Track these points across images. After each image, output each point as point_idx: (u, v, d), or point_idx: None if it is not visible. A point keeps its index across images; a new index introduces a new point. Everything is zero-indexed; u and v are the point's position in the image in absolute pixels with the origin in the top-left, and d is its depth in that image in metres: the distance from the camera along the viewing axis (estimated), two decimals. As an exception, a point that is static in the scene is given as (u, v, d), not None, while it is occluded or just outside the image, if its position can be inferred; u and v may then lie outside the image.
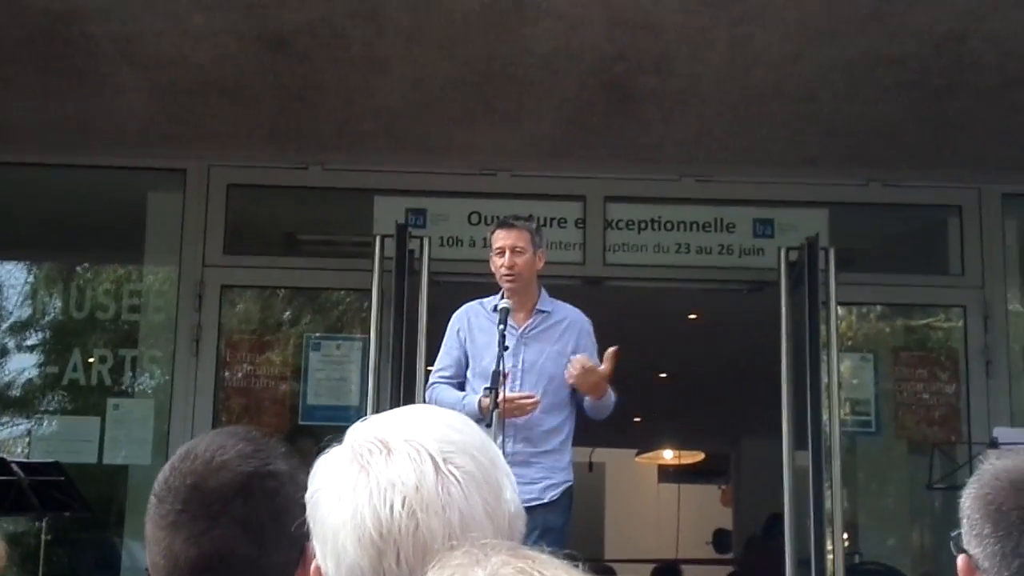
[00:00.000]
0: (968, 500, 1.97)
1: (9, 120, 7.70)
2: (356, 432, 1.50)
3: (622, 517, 16.58)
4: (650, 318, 9.54)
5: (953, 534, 2.02)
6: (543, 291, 5.91)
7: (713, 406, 12.72)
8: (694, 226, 8.30)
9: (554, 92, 7.27)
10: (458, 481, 1.41)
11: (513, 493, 1.48)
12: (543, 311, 5.83)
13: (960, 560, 1.98)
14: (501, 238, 5.78)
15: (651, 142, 7.92)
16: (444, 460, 1.42)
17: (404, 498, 1.39)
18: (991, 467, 1.98)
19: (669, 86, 7.14)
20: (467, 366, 5.85)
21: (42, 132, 7.88)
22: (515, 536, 1.45)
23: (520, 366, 5.67)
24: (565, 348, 5.77)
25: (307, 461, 1.89)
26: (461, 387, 5.83)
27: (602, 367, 5.55)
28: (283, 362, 8.37)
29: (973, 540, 1.95)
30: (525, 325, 5.77)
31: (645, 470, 17.32)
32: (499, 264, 5.74)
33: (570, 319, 5.84)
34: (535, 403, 5.51)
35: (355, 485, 1.42)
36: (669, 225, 8.30)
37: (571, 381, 5.58)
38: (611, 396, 5.69)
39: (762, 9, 6.32)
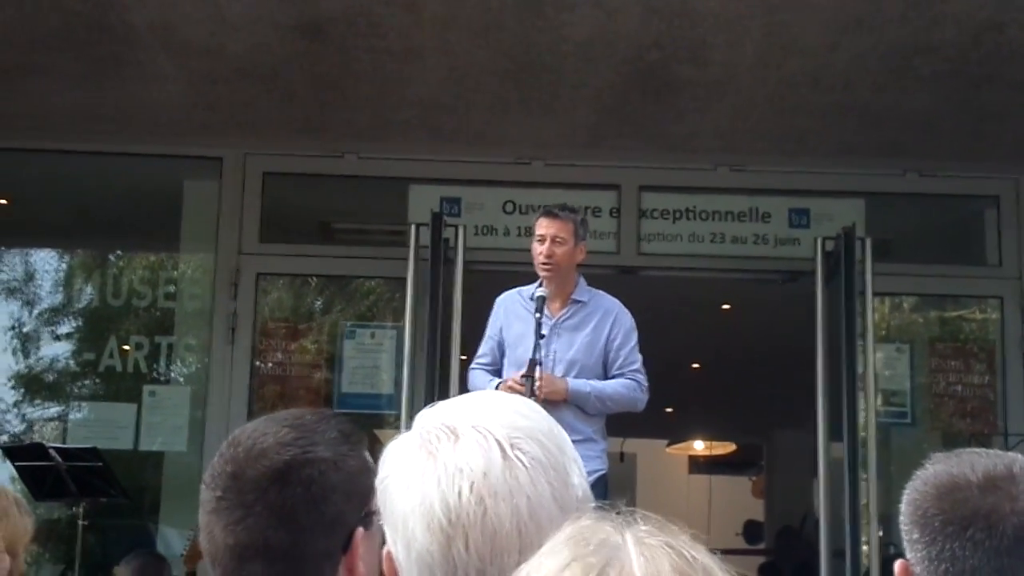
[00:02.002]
0: (902, 507, 2.00)
1: (46, 108, 7.74)
2: (424, 418, 1.51)
3: (653, 508, 16.50)
4: (684, 308, 9.53)
5: None
6: (581, 281, 5.90)
7: (745, 397, 12.69)
8: (729, 216, 8.28)
9: (589, 81, 7.26)
10: (525, 466, 1.42)
11: (581, 478, 1.49)
12: (579, 301, 5.82)
13: (897, 565, 2.01)
14: (543, 226, 5.78)
15: (686, 131, 7.90)
16: (511, 446, 1.43)
17: (472, 484, 1.40)
18: (923, 473, 2.01)
19: (705, 75, 7.11)
20: (503, 354, 5.88)
21: (79, 120, 7.92)
22: None
23: (552, 356, 5.68)
24: (598, 338, 5.77)
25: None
26: (498, 374, 5.85)
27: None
28: (317, 350, 8.40)
29: (907, 546, 1.98)
30: (559, 315, 5.77)
31: (676, 461, 17.29)
32: (538, 252, 5.75)
33: (605, 309, 5.83)
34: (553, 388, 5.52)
35: (423, 471, 1.43)
36: (704, 214, 8.28)
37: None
38: (593, 391, 5.71)
39: (799, -3, 6.28)
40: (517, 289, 5.97)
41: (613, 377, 5.78)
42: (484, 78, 7.27)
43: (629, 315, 5.86)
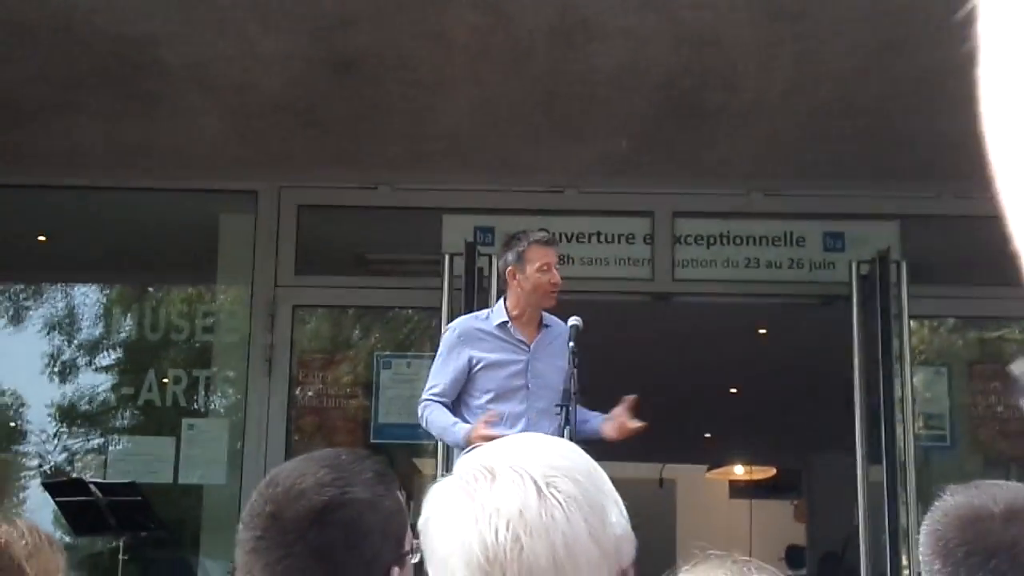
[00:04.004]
0: (922, 536, 2.00)
1: (84, 145, 7.82)
2: (464, 460, 1.54)
3: (693, 533, 16.49)
4: (719, 333, 9.51)
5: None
6: None
7: (784, 421, 12.63)
8: (763, 240, 8.26)
9: (621, 108, 7.28)
10: (560, 504, 1.44)
11: (620, 517, 1.50)
12: (547, 325, 5.85)
13: None
14: (547, 255, 5.79)
15: (719, 157, 7.90)
16: (547, 484, 1.45)
17: (508, 522, 1.42)
18: (942, 504, 2.00)
19: (736, 101, 7.12)
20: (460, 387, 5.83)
21: (116, 156, 8.00)
22: (622, 559, 1.48)
23: (535, 380, 5.71)
24: (563, 360, 5.82)
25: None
26: (449, 408, 5.80)
27: (637, 424, 5.55)
28: (354, 381, 8.43)
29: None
30: (536, 339, 5.80)
31: (716, 486, 17.21)
32: (545, 280, 5.75)
33: (563, 331, 5.88)
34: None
35: (462, 512, 1.46)
36: (738, 240, 8.27)
37: (615, 436, 5.56)
38: None
39: (828, 23, 6.29)
40: (472, 316, 6.02)
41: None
42: (515, 107, 7.30)
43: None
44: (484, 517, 1.43)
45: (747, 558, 1.19)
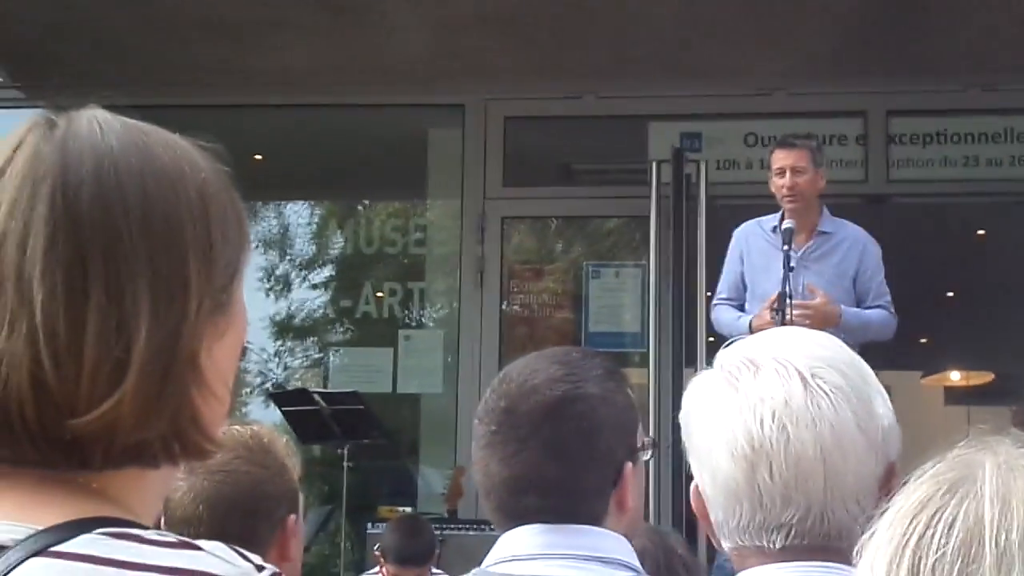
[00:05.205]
0: None
1: (290, 63, 7.96)
2: (724, 354, 1.53)
3: (909, 441, 16.18)
4: (936, 235, 9.26)
5: None
6: (825, 211, 5.79)
7: (1003, 325, 12.25)
8: (982, 138, 7.98)
9: (830, 5, 7.09)
10: (827, 395, 1.43)
11: (886, 408, 1.49)
12: (824, 232, 5.71)
13: None
14: (781, 158, 5.69)
15: (934, 52, 7.63)
16: (812, 375, 1.44)
17: (774, 412, 1.42)
18: None
19: (952, -8, 6.86)
20: (745, 288, 5.81)
21: (322, 73, 8.12)
22: (890, 450, 1.46)
23: (800, 289, 5.57)
24: (847, 269, 5.65)
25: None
26: (742, 308, 5.80)
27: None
28: (562, 291, 8.48)
29: None
30: (806, 247, 5.66)
31: (932, 392, 16.83)
32: (779, 184, 5.65)
33: (852, 239, 5.71)
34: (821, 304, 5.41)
35: (726, 403, 1.46)
36: (956, 138, 8.00)
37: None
38: (859, 321, 5.55)
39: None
40: (756, 220, 5.90)
41: (866, 308, 5.67)
42: (722, 9, 7.17)
43: (877, 245, 5.73)
44: (749, 407, 1.43)
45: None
